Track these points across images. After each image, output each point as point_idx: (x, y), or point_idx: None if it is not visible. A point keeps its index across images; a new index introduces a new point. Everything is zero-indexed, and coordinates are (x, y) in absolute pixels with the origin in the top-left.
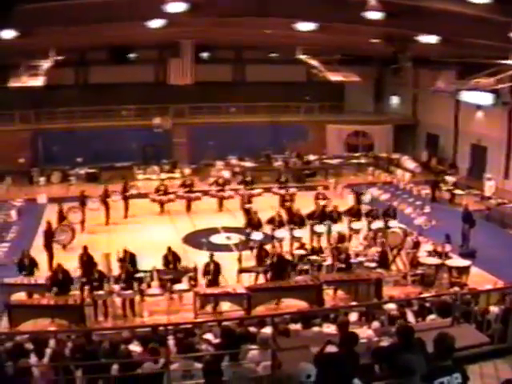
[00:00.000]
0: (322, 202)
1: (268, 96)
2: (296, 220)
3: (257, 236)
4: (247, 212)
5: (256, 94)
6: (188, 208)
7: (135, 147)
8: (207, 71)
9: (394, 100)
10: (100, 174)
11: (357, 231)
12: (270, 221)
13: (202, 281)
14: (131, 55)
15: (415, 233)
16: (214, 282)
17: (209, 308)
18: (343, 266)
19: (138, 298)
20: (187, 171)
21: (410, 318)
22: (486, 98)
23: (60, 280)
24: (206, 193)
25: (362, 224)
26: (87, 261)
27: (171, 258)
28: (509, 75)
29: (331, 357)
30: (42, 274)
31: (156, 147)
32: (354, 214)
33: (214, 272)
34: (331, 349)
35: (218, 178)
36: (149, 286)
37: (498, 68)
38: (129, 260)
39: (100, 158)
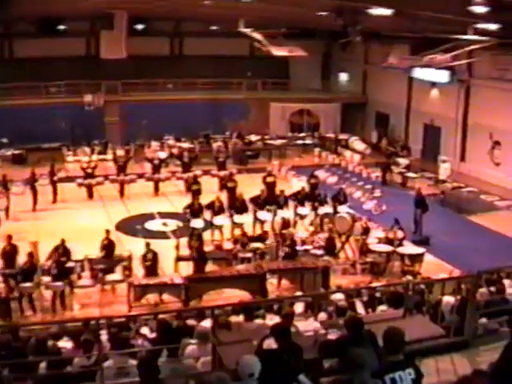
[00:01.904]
0: (269, 179)
1: (208, 71)
2: (237, 205)
3: (197, 223)
4: (230, 191)
5: (195, 70)
6: (121, 192)
7: (64, 127)
8: (142, 44)
9: (343, 77)
10: (27, 156)
11: (303, 217)
12: (209, 206)
13: (137, 270)
14: (60, 27)
15: (364, 218)
16: (151, 271)
17: (144, 300)
18: (288, 253)
19: (68, 290)
20: (120, 152)
21: (360, 309)
22: (441, 76)
23: None
24: (140, 176)
25: (308, 209)
26: (11, 251)
27: (107, 243)
28: (466, 51)
29: (270, 353)
30: None
31: (87, 127)
32: (303, 198)
33: (151, 261)
34: (271, 344)
35: (153, 159)
36: (79, 276)
37: (454, 43)
38: (62, 249)
39: (27, 138)
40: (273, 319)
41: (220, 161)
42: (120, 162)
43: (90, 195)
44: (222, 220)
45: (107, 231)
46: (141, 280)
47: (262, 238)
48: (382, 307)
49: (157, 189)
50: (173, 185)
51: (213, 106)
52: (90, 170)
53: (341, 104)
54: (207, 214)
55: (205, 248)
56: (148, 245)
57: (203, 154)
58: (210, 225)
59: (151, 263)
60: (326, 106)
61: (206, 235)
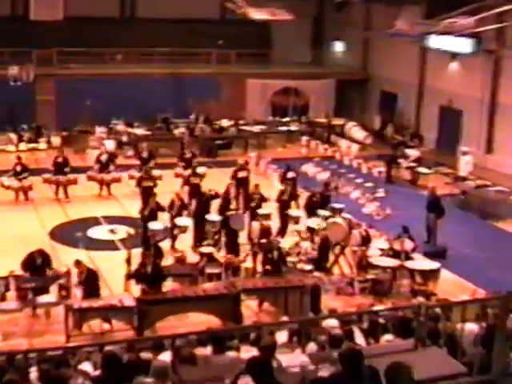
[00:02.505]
0: (241, 174)
1: (168, 39)
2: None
3: (155, 225)
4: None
5: (151, 36)
6: (57, 194)
7: None
8: (84, 3)
9: (338, 47)
10: None
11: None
12: (170, 206)
13: (77, 290)
14: None
15: (364, 224)
16: (91, 293)
17: (86, 328)
18: (268, 268)
19: None
20: (56, 140)
21: (359, 338)
22: (464, 45)
23: None
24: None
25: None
26: None
27: (40, 261)
28: (494, 14)
29: None
30: None
31: (12, 107)
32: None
33: (87, 278)
34: (247, 383)
35: (100, 154)
36: (2, 298)
37: (479, 4)
38: None
39: None
40: (249, 351)
41: (187, 157)
42: (59, 158)
43: (17, 198)
44: (184, 221)
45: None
46: (82, 302)
47: (234, 248)
48: (387, 336)
49: (105, 190)
50: (125, 184)
51: (174, 83)
52: (18, 168)
53: (335, 81)
54: (165, 217)
55: (163, 261)
56: (79, 264)
57: (161, 144)
58: (169, 230)
59: (88, 280)
60: (317, 83)
61: (165, 245)
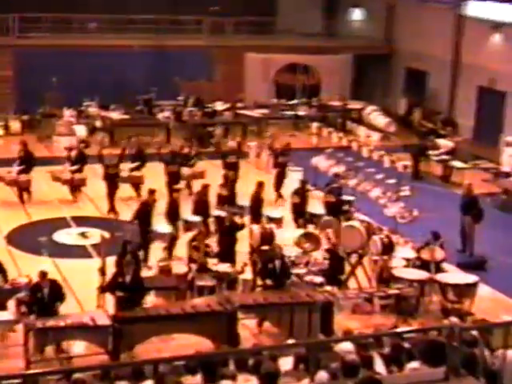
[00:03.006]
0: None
1: (151, 5)
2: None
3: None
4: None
5: (132, 2)
6: (20, 197)
7: None
8: None
9: (356, 15)
10: None
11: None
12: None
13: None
14: None
15: (386, 229)
16: (48, 311)
17: (50, 351)
18: (270, 280)
19: None
20: (15, 125)
21: (379, 366)
22: (509, 13)
23: None
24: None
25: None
26: None
27: None
28: None
29: None
30: None
31: None
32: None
33: (48, 299)
34: None
35: (70, 150)
36: None
37: None
38: None
39: None
40: (247, 380)
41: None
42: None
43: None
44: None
45: None
46: (46, 321)
47: (230, 256)
48: (413, 364)
49: (75, 193)
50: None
51: (157, 58)
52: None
53: (353, 56)
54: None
55: (143, 272)
56: (43, 274)
57: (142, 130)
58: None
59: (47, 304)
60: (331, 58)
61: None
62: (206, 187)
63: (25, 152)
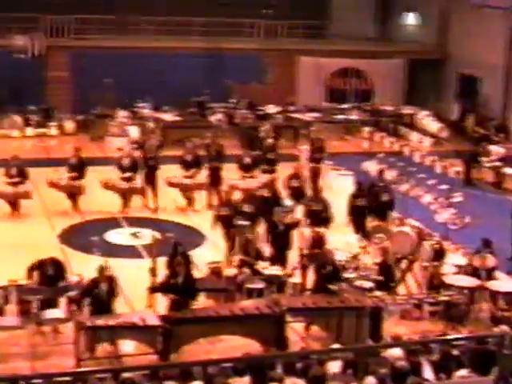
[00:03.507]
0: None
1: (205, 8)
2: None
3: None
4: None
5: (186, 4)
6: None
7: None
8: None
9: (410, 19)
10: None
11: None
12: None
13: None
14: None
15: (437, 235)
16: (104, 307)
17: (100, 350)
18: (320, 283)
19: None
20: (69, 125)
21: (427, 373)
22: None
23: None
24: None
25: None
26: None
27: (52, 271)
28: None
29: None
30: None
31: (18, 85)
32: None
33: (105, 295)
34: None
35: (121, 158)
36: (1, 311)
37: None
38: None
39: None
40: None
41: (245, 163)
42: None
43: (13, 211)
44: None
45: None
46: (96, 319)
47: (281, 259)
48: (462, 372)
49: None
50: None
51: (211, 60)
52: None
53: (406, 61)
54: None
55: (195, 273)
56: (101, 269)
57: (193, 131)
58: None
59: (107, 295)
60: (384, 63)
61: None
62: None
63: (78, 158)
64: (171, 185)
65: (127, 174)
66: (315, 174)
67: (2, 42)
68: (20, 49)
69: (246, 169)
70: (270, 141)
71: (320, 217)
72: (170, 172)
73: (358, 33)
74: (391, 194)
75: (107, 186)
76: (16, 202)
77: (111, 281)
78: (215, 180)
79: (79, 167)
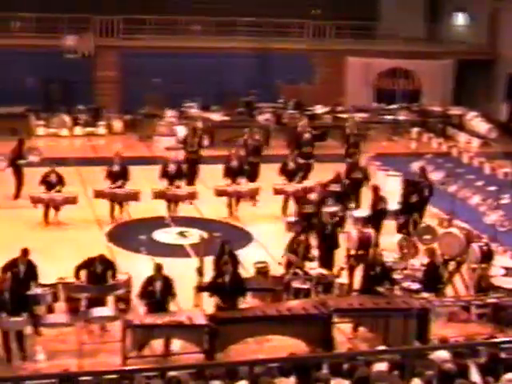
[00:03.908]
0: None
1: (253, 8)
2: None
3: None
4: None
5: (234, 4)
6: (120, 207)
7: (33, 83)
8: None
9: (460, 19)
10: None
11: None
12: None
13: (138, 304)
14: None
15: (486, 237)
16: (159, 306)
17: (147, 348)
18: (367, 285)
19: (30, 329)
20: (117, 125)
21: (475, 375)
22: None
23: None
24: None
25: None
26: None
27: (100, 269)
28: None
29: None
30: None
31: (67, 84)
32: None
33: (159, 295)
34: None
35: (166, 166)
36: (50, 309)
37: None
38: (24, 267)
39: None
40: None
41: (289, 169)
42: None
43: (47, 222)
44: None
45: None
46: (144, 318)
47: (328, 260)
48: (510, 375)
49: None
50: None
51: (259, 60)
52: (53, 178)
53: (455, 61)
54: None
55: (242, 273)
56: (158, 268)
57: (237, 132)
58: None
59: (161, 295)
60: (433, 63)
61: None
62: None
63: (120, 166)
64: (219, 193)
65: (176, 183)
66: (350, 170)
67: (53, 42)
68: (70, 49)
69: (289, 174)
70: (307, 135)
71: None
72: (216, 172)
73: (406, 33)
74: (430, 191)
75: (157, 195)
76: (122, 203)
77: (167, 280)
78: (253, 175)
79: (123, 173)
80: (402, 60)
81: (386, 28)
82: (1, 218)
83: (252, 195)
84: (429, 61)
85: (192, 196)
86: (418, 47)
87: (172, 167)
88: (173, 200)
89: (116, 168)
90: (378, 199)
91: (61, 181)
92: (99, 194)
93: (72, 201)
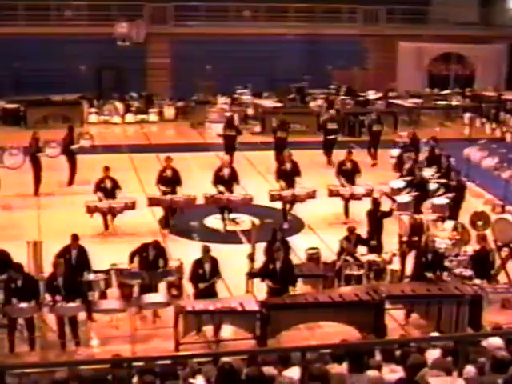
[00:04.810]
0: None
1: None
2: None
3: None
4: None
5: None
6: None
7: (86, 70)
8: None
9: None
10: (26, 113)
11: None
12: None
13: (190, 289)
14: None
15: None
16: (207, 292)
17: (200, 334)
18: (420, 271)
19: (83, 314)
20: (169, 112)
21: None
22: None
23: None
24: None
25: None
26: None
27: (153, 255)
28: None
29: None
30: None
31: (119, 71)
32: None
33: (209, 276)
34: None
35: (219, 170)
36: (102, 296)
37: None
38: (76, 253)
39: (26, 86)
40: (394, 371)
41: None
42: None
43: (106, 228)
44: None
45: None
46: (196, 304)
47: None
48: None
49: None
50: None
51: (311, 46)
52: (108, 184)
53: (508, 46)
54: None
55: (294, 259)
56: (207, 250)
57: (296, 118)
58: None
59: (209, 279)
60: (486, 48)
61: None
62: None
63: (172, 171)
64: (273, 198)
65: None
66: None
67: (105, 29)
68: (122, 36)
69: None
70: (375, 128)
71: None
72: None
73: (459, 17)
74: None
75: (209, 201)
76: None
77: (214, 262)
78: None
79: (175, 179)
80: (454, 45)
81: (439, 12)
82: (55, 205)
83: (309, 197)
84: (482, 45)
85: (249, 201)
86: (470, 32)
87: (226, 171)
88: (222, 205)
89: (169, 173)
90: None
91: (116, 185)
92: (154, 203)
93: (131, 207)
